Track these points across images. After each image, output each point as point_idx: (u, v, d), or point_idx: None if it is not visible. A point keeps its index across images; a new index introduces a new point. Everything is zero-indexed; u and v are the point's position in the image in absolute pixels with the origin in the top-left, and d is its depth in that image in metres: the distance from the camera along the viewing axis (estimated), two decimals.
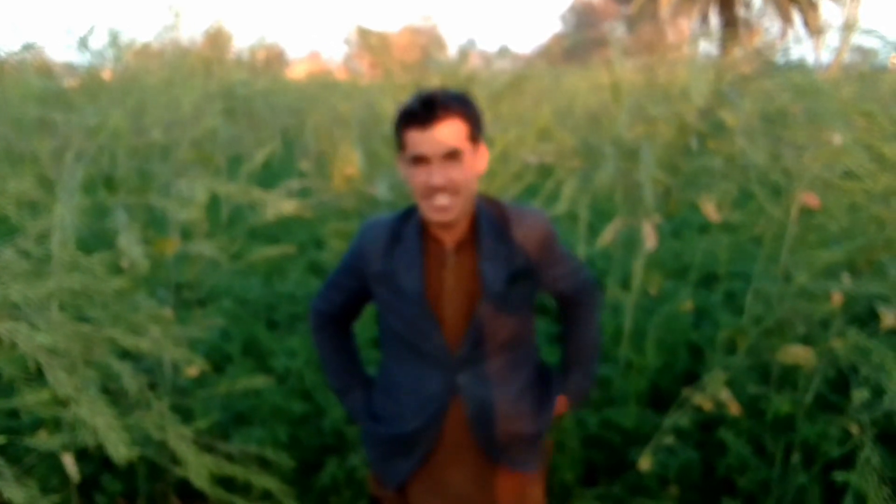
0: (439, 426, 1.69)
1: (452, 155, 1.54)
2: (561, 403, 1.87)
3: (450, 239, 1.66)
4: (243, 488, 2.44)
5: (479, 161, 1.63)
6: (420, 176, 1.56)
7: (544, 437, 1.81)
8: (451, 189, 1.55)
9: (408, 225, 1.69)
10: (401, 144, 1.60)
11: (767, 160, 2.72)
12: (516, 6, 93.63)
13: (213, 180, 2.34)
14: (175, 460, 2.19)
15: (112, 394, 1.98)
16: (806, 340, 2.49)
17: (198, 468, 2.04)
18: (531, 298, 1.74)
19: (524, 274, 1.67)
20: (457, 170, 1.55)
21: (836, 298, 2.34)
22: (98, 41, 2.91)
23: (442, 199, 1.56)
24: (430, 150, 1.53)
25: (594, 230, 3.39)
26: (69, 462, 2.29)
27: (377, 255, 1.69)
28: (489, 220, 1.66)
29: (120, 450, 1.67)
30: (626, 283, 3.15)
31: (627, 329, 3.04)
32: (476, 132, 1.60)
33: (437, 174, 1.54)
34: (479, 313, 1.63)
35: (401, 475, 1.75)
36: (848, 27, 2.90)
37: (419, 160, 1.55)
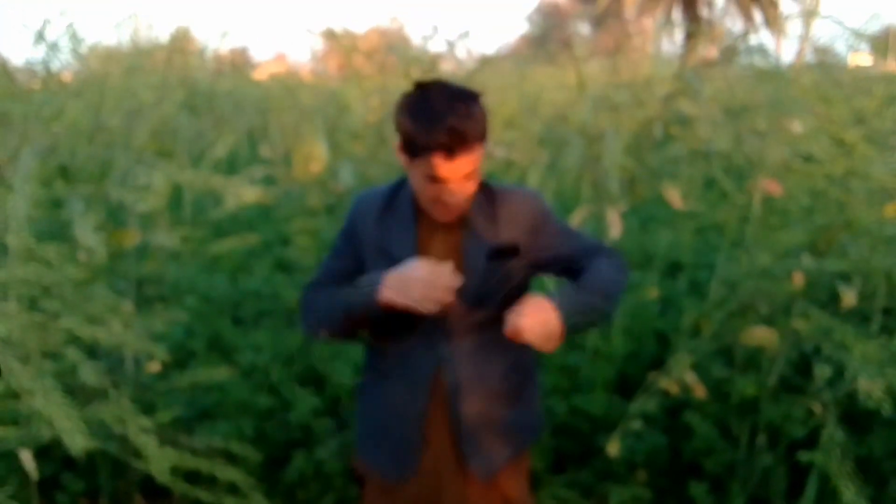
0: (425, 400, 1.67)
1: (469, 175, 1.55)
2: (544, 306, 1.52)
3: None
4: (208, 483, 2.40)
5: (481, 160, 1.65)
6: (433, 191, 1.55)
7: (520, 429, 1.75)
8: (461, 201, 1.57)
9: (400, 195, 1.70)
10: (414, 153, 1.53)
11: (730, 146, 2.75)
12: (483, 7, 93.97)
13: (173, 168, 2.29)
14: (137, 454, 2.15)
15: (70, 387, 1.94)
16: (769, 322, 2.51)
17: (159, 461, 2.00)
18: (523, 279, 1.72)
19: (508, 251, 1.66)
20: (470, 184, 1.57)
21: (798, 279, 2.37)
22: (58, 39, 2.85)
23: (448, 207, 1.58)
24: (452, 175, 1.53)
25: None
26: (27, 459, 2.23)
27: (371, 221, 1.69)
28: (478, 202, 1.66)
29: (76, 440, 1.63)
30: None
31: None
32: (486, 141, 1.62)
33: (453, 193, 1.55)
34: (462, 287, 1.62)
35: (392, 459, 1.72)
36: (808, 15, 2.94)
37: (437, 180, 1.54)
